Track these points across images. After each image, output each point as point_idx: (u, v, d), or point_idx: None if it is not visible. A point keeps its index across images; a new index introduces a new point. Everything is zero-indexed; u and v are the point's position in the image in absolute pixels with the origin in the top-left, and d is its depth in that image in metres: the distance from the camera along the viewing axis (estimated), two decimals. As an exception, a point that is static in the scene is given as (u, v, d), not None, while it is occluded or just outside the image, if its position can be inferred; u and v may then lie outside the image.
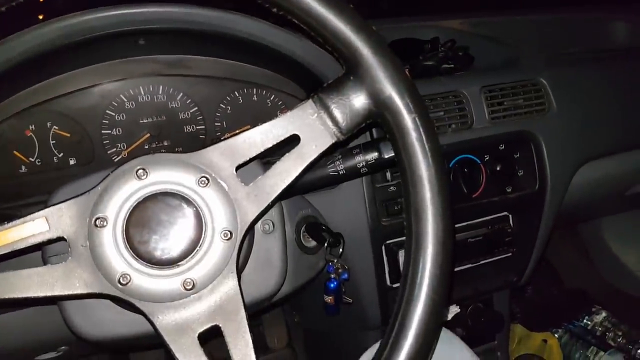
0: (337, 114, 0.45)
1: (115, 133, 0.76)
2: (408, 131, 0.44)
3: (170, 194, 0.44)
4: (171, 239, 0.44)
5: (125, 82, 0.75)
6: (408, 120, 0.44)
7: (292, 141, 0.47)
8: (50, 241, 0.44)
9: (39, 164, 0.73)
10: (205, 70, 0.77)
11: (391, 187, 0.77)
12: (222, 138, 0.79)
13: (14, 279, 0.42)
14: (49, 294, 0.43)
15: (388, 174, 0.76)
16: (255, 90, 0.81)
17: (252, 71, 0.79)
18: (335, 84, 0.46)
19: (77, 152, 0.75)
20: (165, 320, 0.44)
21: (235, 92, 0.81)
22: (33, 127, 0.72)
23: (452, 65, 0.86)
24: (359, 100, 0.45)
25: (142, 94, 0.76)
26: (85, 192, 0.44)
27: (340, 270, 0.67)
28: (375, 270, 0.79)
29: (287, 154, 0.47)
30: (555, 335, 1.31)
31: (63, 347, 0.72)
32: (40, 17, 0.65)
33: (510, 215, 0.88)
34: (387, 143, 0.58)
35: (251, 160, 0.47)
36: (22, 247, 0.43)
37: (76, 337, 0.52)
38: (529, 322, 1.30)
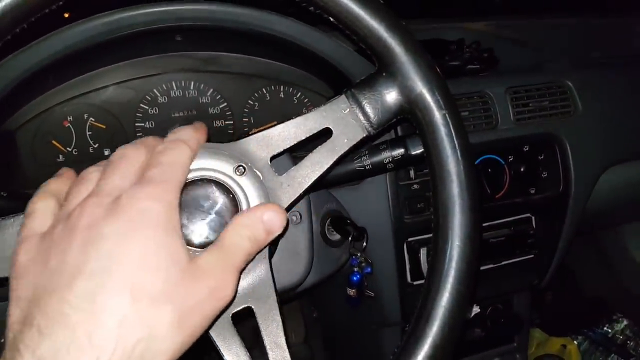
0: (369, 109, 0.47)
1: (148, 126, 0.79)
2: (438, 127, 0.46)
3: (209, 180, 0.46)
4: (209, 223, 0.46)
5: (159, 77, 0.78)
6: (438, 116, 0.45)
7: (324, 135, 0.49)
8: None
9: (76, 153, 0.76)
10: (236, 67, 0.80)
11: (414, 185, 0.78)
12: (250, 133, 0.82)
13: None
14: None
15: (412, 172, 0.78)
16: (282, 87, 0.84)
17: (280, 69, 0.81)
18: (368, 80, 0.48)
19: (112, 143, 0.77)
20: None
21: (263, 89, 0.83)
22: (71, 118, 0.76)
23: (478, 66, 0.87)
24: (391, 96, 0.47)
25: (175, 89, 0.79)
26: None
27: (363, 264, 0.68)
28: (396, 267, 0.80)
29: (319, 146, 0.48)
30: (575, 341, 1.30)
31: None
32: (66, 15, 0.67)
33: (532, 217, 0.88)
34: (414, 139, 0.59)
35: (285, 151, 0.48)
36: None
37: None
38: (548, 327, 1.29)
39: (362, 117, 0.47)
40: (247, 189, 0.47)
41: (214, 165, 0.46)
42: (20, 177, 0.74)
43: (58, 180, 0.41)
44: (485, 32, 1.03)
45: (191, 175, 0.46)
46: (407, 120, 0.49)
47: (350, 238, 0.65)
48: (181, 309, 0.33)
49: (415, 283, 0.82)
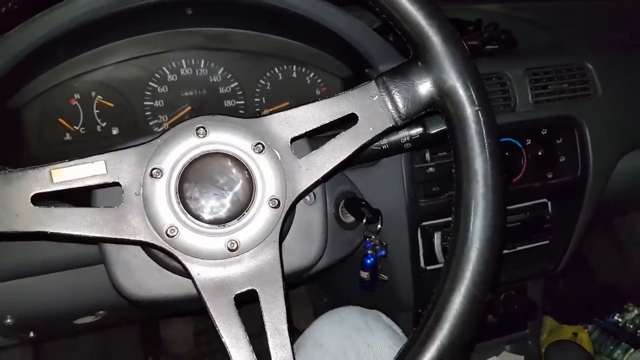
0: (399, 98, 0.45)
1: (157, 105, 0.77)
2: (469, 123, 0.44)
3: (226, 155, 0.45)
4: (221, 199, 0.44)
5: (168, 55, 0.76)
6: (470, 112, 0.44)
7: (349, 121, 0.47)
8: (106, 185, 0.44)
9: (83, 132, 0.75)
10: (248, 45, 0.78)
11: (430, 168, 0.76)
12: (269, 111, 0.80)
13: (67, 215, 0.43)
14: (97, 234, 0.43)
15: (427, 155, 0.76)
16: (294, 67, 0.81)
17: (293, 47, 0.79)
18: (400, 68, 0.46)
19: (120, 122, 0.76)
20: (205, 277, 0.45)
21: (275, 69, 0.81)
22: (78, 96, 0.74)
23: (496, 47, 0.84)
24: (424, 87, 0.45)
25: (184, 67, 0.77)
26: (145, 142, 0.45)
27: (377, 247, 0.67)
28: (410, 251, 0.78)
29: (342, 132, 0.47)
30: (586, 330, 1.29)
31: (101, 312, 0.73)
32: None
33: (549, 202, 0.86)
34: (432, 119, 0.57)
35: (306, 134, 0.47)
36: (78, 186, 0.43)
37: (122, 296, 0.53)
38: (559, 314, 1.28)
39: (390, 106, 0.45)
40: (264, 169, 0.45)
41: (233, 140, 0.45)
42: (25, 156, 0.73)
43: None
44: (502, 14, 1.00)
45: (209, 148, 0.44)
46: (436, 114, 0.47)
47: (364, 220, 0.63)
48: None
49: (428, 268, 0.80)
